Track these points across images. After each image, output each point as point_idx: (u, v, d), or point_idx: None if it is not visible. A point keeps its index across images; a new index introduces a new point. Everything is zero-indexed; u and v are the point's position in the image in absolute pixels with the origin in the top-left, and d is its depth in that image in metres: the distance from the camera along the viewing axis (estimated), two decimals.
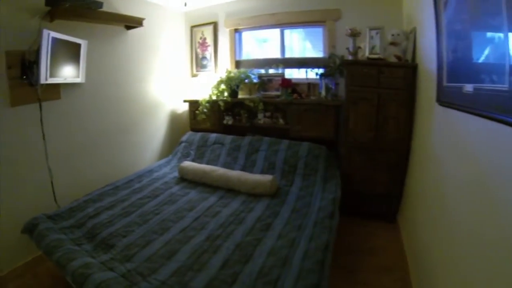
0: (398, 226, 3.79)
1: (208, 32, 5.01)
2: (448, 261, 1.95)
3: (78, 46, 3.22)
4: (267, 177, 3.49)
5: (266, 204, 3.21)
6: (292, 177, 3.79)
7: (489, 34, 1.63)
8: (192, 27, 5.11)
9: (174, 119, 5.19)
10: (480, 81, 1.66)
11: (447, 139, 2.32)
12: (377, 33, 3.64)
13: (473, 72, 1.76)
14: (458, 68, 2.03)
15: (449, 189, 2.12)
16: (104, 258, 2.34)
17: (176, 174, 4.02)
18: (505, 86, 1.32)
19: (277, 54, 4.85)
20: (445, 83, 2.24)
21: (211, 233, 2.67)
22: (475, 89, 1.69)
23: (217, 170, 3.76)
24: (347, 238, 3.44)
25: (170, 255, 2.36)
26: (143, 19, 3.99)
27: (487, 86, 1.56)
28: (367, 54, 3.69)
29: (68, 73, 3.16)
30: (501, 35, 1.38)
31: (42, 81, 2.83)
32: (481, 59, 1.70)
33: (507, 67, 1.29)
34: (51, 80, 2.94)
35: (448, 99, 2.22)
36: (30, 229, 2.61)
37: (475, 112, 1.70)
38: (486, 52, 1.63)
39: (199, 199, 3.34)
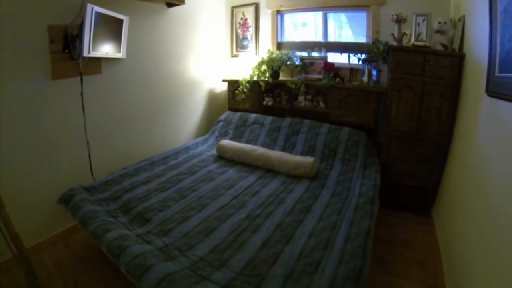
0: (432, 220, 3.63)
1: (249, 13, 4.93)
2: (489, 260, 1.82)
3: (120, 21, 3.19)
4: (308, 159, 3.40)
5: (306, 186, 3.13)
6: (332, 161, 3.68)
7: None
8: (233, 7, 5.03)
9: (212, 98, 5.14)
10: None
11: (495, 132, 2.17)
12: (423, 20, 3.48)
13: None
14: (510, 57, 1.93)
15: (496, 188, 1.98)
16: (140, 231, 2.33)
17: (213, 152, 3.98)
18: None
19: (315, 38, 4.75)
20: (497, 73, 2.14)
21: (251, 212, 2.60)
22: None
23: (257, 150, 3.69)
24: (380, 228, 3.29)
25: (208, 232, 2.31)
26: None
27: None
28: (412, 41, 3.53)
29: (109, 48, 3.14)
30: None
31: (85, 54, 2.81)
32: None
33: None
34: (93, 54, 2.92)
35: (499, 89, 2.11)
36: (66, 199, 2.63)
37: None
38: None
39: (237, 177, 3.28)
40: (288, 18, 4.93)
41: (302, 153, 3.79)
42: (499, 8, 2.10)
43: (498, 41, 2.13)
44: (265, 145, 4.02)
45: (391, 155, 3.72)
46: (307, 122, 4.15)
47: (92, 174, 3.17)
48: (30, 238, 2.75)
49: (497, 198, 1.90)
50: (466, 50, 3.17)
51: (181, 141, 4.51)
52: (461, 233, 2.50)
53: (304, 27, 4.97)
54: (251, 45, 4.98)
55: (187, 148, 4.03)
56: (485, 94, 2.31)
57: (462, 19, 3.24)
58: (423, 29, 3.48)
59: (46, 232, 2.97)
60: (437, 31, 3.44)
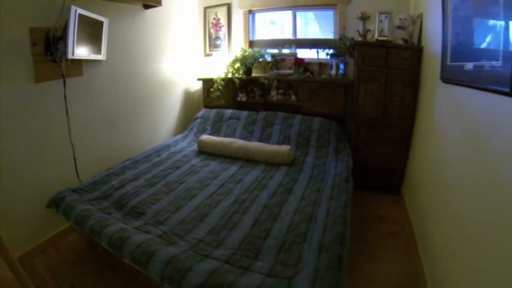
0: (402, 197, 3.94)
1: (222, 13, 5.03)
2: (451, 223, 2.11)
3: (100, 23, 3.21)
4: (285, 147, 3.62)
5: (285, 172, 3.33)
6: (306, 149, 3.91)
7: (488, 20, 1.84)
8: (206, 8, 5.11)
9: (188, 97, 5.23)
10: (477, 58, 1.93)
11: (449, 112, 2.51)
12: (385, 17, 3.79)
13: (474, 52, 2.00)
14: (461, 49, 2.25)
15: (452, 159, 2.29)
16: (137, 224, 2.41)
17: (194, 147, 4.09)
18: (499, 63, 1.58)
19: (286, 36, 4.93)
20: (448, 63, 2.47)
21: (238, 197, 2.78)
22: (475, 66, 1.94)
23: (236, 142, 3.86)
24: (355, 208, 3.52)
25: (202, 218, 2.46)
26: None
27: (484, 63, 1.83)
28: (376, 36, 3.82)
29: (91, 50, 3.16)
30: (500, 22, 1.63)
31: (69, 56, 2.82)
32: (481, 41, 1.92)
33: (501, 47, 1.56)
34: (77, 56, 2.93)
35: (451, 76, 2.44)
36: (56, 202, 2.63)
37: (474, 85, 1.96)
38: (485, 34, 1.85)
39: (220, 169, 3.43)
40: (259, 17, 5.07)
41: (278, 143, 3.98)
42: (450, 7, 2.39)
43: (449, 35, 2.44)
44: (242, 137, 4.19)
45: (361, 140, 3.99)
46: (280, 114, 4.35)
47: (78, 177, 3.17)
48: (19, 246, 2.73)
49: (453, 169, 2.21)
50: (424, 43, 3.48)
51: (160, 140, 4.58)
52: (428, 205, 2.79)
53: (273, 25, 5.13)
54: (224, 44, 5.08)
55: (168, 146, 4.12)
56: (440, 81, 2.64)
57: (420, 16, 3.56)
58: (385, 25, 3.78)
59: (35, 239, 2.91)
60: (398, 27, 3.73)
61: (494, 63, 1.66)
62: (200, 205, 2.66)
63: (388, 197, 4.00)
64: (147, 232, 2.27)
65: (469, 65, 2.01)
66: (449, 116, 2.51)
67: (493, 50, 1.70)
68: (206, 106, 5.03)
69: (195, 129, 4.67)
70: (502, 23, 1.60)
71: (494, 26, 1.71)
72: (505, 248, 1.33)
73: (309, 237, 2.15)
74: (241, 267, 1.90)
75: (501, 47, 1.57)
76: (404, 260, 2.84)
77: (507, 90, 1.46)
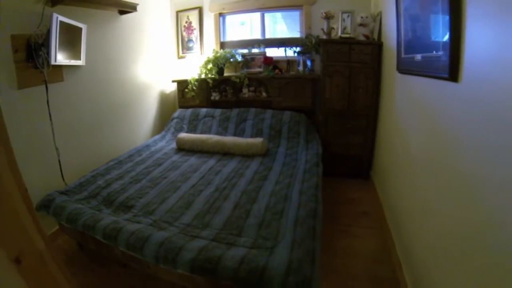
0: (372, 181, 4.27)
1: (193, 16, 5.18)
2: (416, 199, 2.42)
3: (79, 30, 3.30)
4: (258, 140, 3.89)
5: (259, 161, 3.59)
6: (278, 140, 4.18)
7: (431, 17, 2.17)
8: (178, 11, 5.24)
9: (163, 98, 5.36)
10: (424, 50, 2.28)
11: (405, 99, 2.87)
12: (348, 16, 4.12)
13: (422, 45, 2.34)
14: (411, 43, 2.60)
15: (411, 140, 2.63)
16: (127, 216, 2.56)
17: (173, 146, 4.27)
18: (439, 53, 1.93)
19: (255, 36, 5.16)
20: (402, 55, 2.84)
21: (218, 186, 3.00)
22: (422, 57, 2.30)
23: (212, 138, 4.07)
24: (329, 193, 3.87)
25: (187, 206, 2.66)
26: (137, 4, 4.15)
27: (428, 54, 2.18)
28: (339, 34, 4.14)
29: (71, 56, 3.24)
30: (440, 19, 1.95)
31: (52, 62, 2.92)
32: (426, 35, 2.26)
33: (441, 40, 1.89)
34: (59, 62, 3.02)
35: (404, 67, 2.82)
36: (46, 204, 2.68)
37: (422, 74, 2.34)
38: (430, 29, 2.19)
39: (199, 163, 3.63)
40: (229, 19, 5.26)
41: (252, 136, 4.22)
42: (403, 7, 2.74)
43: (402, 31, 2.79)
44: (218, 133, 4.40)
45: (329, 130, 4.30)
46: (252, 110, 4.59)
47: (64, 180, 3.24)
48: None
49: (412, 145, 2.57)
50: (383, 39, 3.83)
51: (139, 141, 4.69)
52: (394, 185, 3.12)
53: (243, 25, 5.34)
54: (196, 46, 5.23)
55: (147, 146, 4.25)
56: (397, 72, 3.01)
57: (380, 14, 3.90)
58: (348, 23, 4.11)
59: None
60: (360, 24, 4.05)
61: (436, 53, 1.98)
62: (184, 195, 2.85)
63: (359, 182, 4.32)
64: (138, 222, 2.42)
65: (418, 57, 2.36)
66: (405, 102, 2.85)
67: (436, 43, 2.02)
68: (181, 107, 5.18)
69: (172, 129, 4.82)
70: (441, 19, 1.91)
71: (436, 22, 2.02)
72: (458, 216, 1.63)
73: (285, 214, 2.41)
74: (227, 243, 2.13)
75: (441, 40, 1.89)
76: (376, 236, 3.13)
77: (447, 75, 1.78)
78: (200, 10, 5.12)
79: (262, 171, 3.32)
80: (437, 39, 1.99)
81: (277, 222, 2.33)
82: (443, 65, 1.85)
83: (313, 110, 4.62)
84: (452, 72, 1.77)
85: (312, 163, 3.35)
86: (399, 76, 3.03)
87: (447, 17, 1.80)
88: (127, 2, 4.02)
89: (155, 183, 3.13)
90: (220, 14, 5.13)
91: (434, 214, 1.96)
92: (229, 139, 4.02)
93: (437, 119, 2.02)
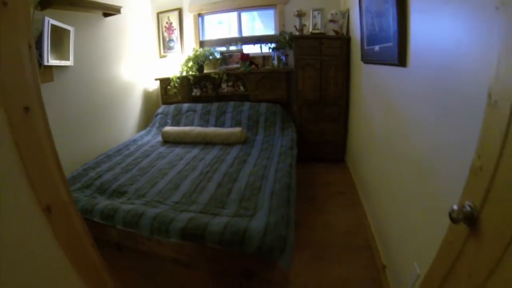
0: (346, 165, 4.66)
1: (173, 17, 5.39)
2: (380, 176, 2.81)
3: (68, 32, 3.47)
4: (237, 129, 4.22)
5: (239, 148, 3.91)
6: (256, 130, 4.52)
7: (384, 13, 2.51)
8: (159, 13, 5.48)
9: (147, 96, 5.57)
10: (380, 42, 2.63)
11: (369, 85, 3.28)
12: (318, 13, 4.47)
13: (378, 37, 2.70)
14: (371, 36, 2.96)
15: (374, 120, 3.04)
16: (121, 200, 2.79)
17: (158, 139, 4.53)
18: (390, 44, 2.33)
19: (232, 34, 5.45)
20: (365, 47, 3.23)
21: (202, 170, 3.29)
22: (380, 48, 2.66)
23: (195, 129, 4.36)
24: (307, 177, 4.26)
25: (175, 187, 2.94)
26: (120, 7, 4.36)
27: (384, 44, 2.54)
28: (311, 30, 4.49)
29: (61, 57, 3.41)
30: (389, 15, 2.33)
31: (45, 63, 3.11)
32: (382, 29, 2.60)
33: (391, 31, 2.28)
34: (51, 63, 3.19)
35: (367, 57, 3.21)
36: None
37: (380, 62, 2.72)
38: (383, 24, 2.54)
39: (184, 152, 3.92)
40: (208, 19, 5.50)
41: (231, 127, 4.52)
42: (364, 5, 3.12)
43: (364, 26, 3.18)
44: (200, 126, 4.69)
45: (303, 119, 4.65)
46: (231, 103, 4.91)
47: None
48: None
49: (375, 124, 2.99)
50: (351, 33, 4.21)
51: (126, 137, 4.87)
52: (365, 166, 3.51)
53: (221, 24, 5.60)
54: (177, 45, 5.44)
55: (134, 140, 4.48)
56: (362, 62, 3.43)
57: (348, 11, 4.27)
58: (318, 20, 4.45)
59: None
60: (331, 21, 4.42)
61: (389, 44, 2.35)
62: (172, 179, 3.12)
63: (334, 166, 4.69)
64: (132, 204, 2.69)
65: (377, 48, 2.76)
66: (369, 88, 3.26)
67: (388, 35, 2.40)
68: (164, 103, 5.42)
69: (157, 124, 5.07)
70: (391, 15, 2.28)
71: (388, 17, 2.39)
72: (412, 185, 1.99)
73: (262, 190, 2.74)
74: (212, 214, 2.44)
75: (392, 33, 2.27)
76: (351, 212, 3.47)
77: (396, 62, 2.17)
78: (180, 11, 5.34)
79: (242, 156, 3.63)
80: (389, 32, 2.36)
81: (256, 196, 2.65)
82: (394, 54, 2.25)
83: (288, 101, 4.97)
84: (401, 58, 2.17)
85: (287, 147, 3.71)
86: (363, 66, 3.45)
87: (396, 13, 2.17)
88: (111, 5, 4.21)
89: (145, 171, 3.36)
90: (199, 15, 5.37)
91: (398, 190, 2.32)
92: (210, 130, 4.32)
93: (392, 100, 2.45)
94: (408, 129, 2.08)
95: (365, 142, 3.47)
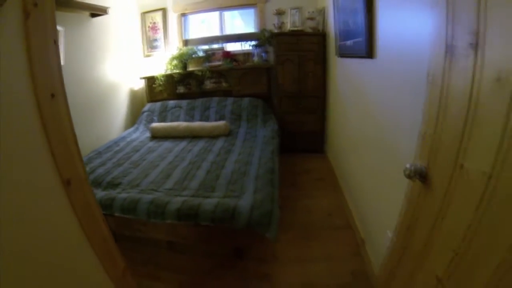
0: (326, 154, 4.91)
1: (158, 17, 5.44)
2: (357, 163, 3.05)
3: (58, 32, 3.56)
4: (221, 122, 4.43)
5: (223, 140, 4.11)
6: (239, 123, 4.72)
7: (355, 11, 2.75)
8: (143, 13, 5.47)
9: (133, 95, 5.64)
10: (352, 37, 2.90)
11: (343, 77, 3.53)
12: (297, 11, 4.75)
13: (351, 33, 2.96)
14: (345, 32, 3.21)
15: (349, 109, 3.31)
16: (117, 191, 2.92)
17: (146, 135, 4.66)
18: (360, 39, 2.58)
19: (215, 32, 5.59)
20: (339, 42, 3.48)
21: (191, 160, 3.48)
22: (352, 42, 2.92)
23: (181, 124, 4.54)
24: (288, 166, 4.49)
25: (167, 176, 3.12)
26: (108, 7, 4.44)
27: (355, 39, 2.80)
28: (289, 27, 4.76)
29: None
30: (360, 12, 2.59)
31: None
32: (354, 25, 2.84)
33: (361, 27, 2.52)
34: None
35: (341, 51, 3.46)
36: None
37: (352, 55, 2.99)
38: (355, 21, 2.77)
39: (173, 146, 4.08)
40: (191, 18, 5.62)
41: (216, 121, 4.70)
42: (338, 3, 3.37)
43: (338, 23, 3.43)
44: (186, 121, 4.83)
45: (284, 111, 4.87)
46: (215, 99, 5.09)
47: None
48: None
49: (348, 113, 3.27)
50: (327, 30, 4.45)
51: (114, 135, 4.93)
52: (342, 152, 3.75)
53: (203, 23, 5.73)
54: (161, 44, 5.52)
55: (123, 137, 4.59)
56: (337, 56, 3.67)
57: (324, 9, 4.50)
58: (296, 18, 4.73)
59: None
60: (308, 18, 4.66)
61: (360, 38, 2.60)
62: (163, 170, 3.29)
63: (314, 156, 4.94)
64: (128, 193, 2.84)
65: (349, 42, 3.01)
66: (344, 80, 3.50)
67: (358, 31, 2.65)
68: (150, 101, 5.51)
69: (144, 121, 5.18)
70: (360, 13, 2.53)
71: (357, 15, 2.65)
72: (381, 161, 2.23)
73: (248, 174, 2.97)
74: (203, 196, 2.65)
75: (361, 28, 2.53)
76: (331, 196, 3.70)
77: (364, 54, 2.43)
78: (164, 11, 5.44)
79: (227, 146, 3.84)
80: (359, 28, 2.61)
81: (242, 179, 2.88)
82: (363, 47, 2.51)
83: (269, 95, 5.17)
84: (369, 51, 2.43)
85: (269, 137, 3.94)
86: (338, 59, 3.71)
87: (364, 10, 2.43)
88: (99, 5, 4.30)
89: (137, 164, 3.50)
90: (183, 14, 5.49)
91: (373, 175, 2.57)
92: (196, 124, 4.51)
93: (362, 88, 2.73)
94: (375, 110, 2.36)
95: (342, 130, 3.71)
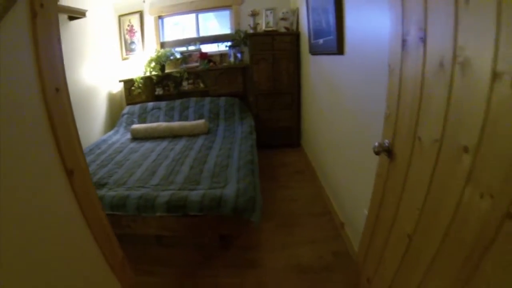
0: (302, 148, 5.14)
1: (135, 20, 5.50)
2: (333, 152, 3.27)
3: None
4: (200, 121, 4.58)
5: (204, 138, 4.27)
6: (217, 121, 4.89)
7: (326, 11, 2.94)
8: (120, 16, 5.56)
9: (111, 98, 5.66)
10: (324, 36, 3.09)
11: (316, 73, 3.75)
12: (271, 12, 4.95)
13: (322, 32, 3.16)
14: (317, 31, 3.41)
15: (321, 102, 3.53)
16: (104, 190, 2.99)
17: (127, 137, 4.72)
18: (331, 37, 2.78)
19: (192, 34, 5.70)
20: (312, 41, 3.67)
21: (174, 158, 3.61)
22: (323, 41, 3.13)
23: (162, 124, 4.65)
24: (267, 160, 4.69)
25: (152, 174, 3.24)
26: (86, 10, 4.48)
27: (326, 38, 3.00)
28: (264, 28, 4.94)
29: None
30: (330, 12, 2.78)
31: None
32: (325, 24, 3.03)
33: (332, 26, 2.73)
34: None
35: (314, 49, 3.66)
36: None
37: (324, 52, 3.20)
38: (326, 20, 2.97)
39: (154, 145, 4.18)
40: (168, 20, 5.70)
41: (195, 120, 4.84)
42: (310, 4, 3.56)
43: (311, 23, 3.62)
44: (165, 121, 4.94)
45: (260, 108, 5.07)
46: (193, 99, 5.23)
47: None
48: None
49: (322, 105, 3.49)
50: (300, 29, 4.66)
51: (93, 139, 4.92)
52: (318, 143, 3.96)
53: (178, 25, 5.82)
54: (139, 47, 5.57)
55: (104, 140, 4.63)
56: (310, 54, 3.88)
57: (297, 10, 4.70)
58: (270, 18, 4.92)
59: None
60: (282, 19, 4.86)
61: (331, 37, 2.80)
62: (148, 167, 3.40)
63: (291, 150, 5.17)
64: (115, 191, 2.92)
65: (321, 41, 3.22)
66: (317, 76, 3.72)
67: (329, 29, 2.86)
68: (129, 104, 5.54)
69: (124, 123, 5.24)
70: (331, 13, 2.73)
71: (328, 15, 2.85)
72: (354, 146, 2.47)
73: (229, 166, 3.15)
74: (189, 189, 2.80)
75: (331, 28, 2.74)
76: (310, 187, 3.90)
77: (335, 51, 2.63)
78: (141, 13, 5.52)
79: (207, 143, 4.00)
80: (330, 27, 2.82)
81: (225, 172, 3.05)
82: (334, 45, 2.72)
83: (245, 93, 5.35)
84: (339, 48, 2.65)
85: (247, 132, 4.13)
86: (311, 57, 3.93)
87: (334, 10, 2.64)
88: (77, 8, 4.33)
89: (121, 165, 3.58)
90: (159, 17, 5.57)
91: (340, 148, 2.81)
92: (176, 124, 4.63)
93: (333, 82, 2.95)
94: (346, 102, 2.59)
95: (317, 124, 3.92)
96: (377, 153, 1.42)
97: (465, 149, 0.89)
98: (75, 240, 1.57)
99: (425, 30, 1.08)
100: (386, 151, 1.41)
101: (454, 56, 0.93)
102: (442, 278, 1.03)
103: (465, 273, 0.91)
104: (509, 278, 0.76)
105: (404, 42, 1.23)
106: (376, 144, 1.42)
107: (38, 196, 1.30)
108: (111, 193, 2.84)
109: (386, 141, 1.42)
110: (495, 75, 0.76)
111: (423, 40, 1.08)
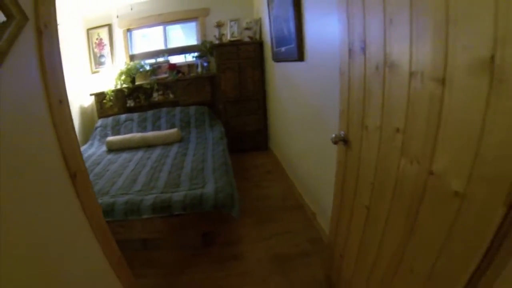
0: (271, 150, 5.43)
1: (103, 33, 5.55)
2: (298, 150, 3.67)
3: None
4: (173, 130, 4.81)
5: (178, 146, 4.50)
6: (188, 129, 5.12)
7: (287, 20, 3.22)
8: (88, 29, 5.58)
9: (82, 112, 5.66)
10: (286, 44, 3.36)
11: (280, 78, 4.04)
12: (235, 23, 5.20)
13: (284, 40, 3.42)
14: (279, 40, 3.67)
15: (286, 104, 3.84)
16: None
17: (103, 149, 4.83)
18: (292, 45, 3.06)
19: (159, 46, 5.87)
20: (275, 49, 3.93)
21: (152, 166, 3.81)
22: (285, 49, 3.39)
23: (136, 135, 4.80)
24: (238, 163, 4.93)
25: (133, 181, 3.40)
26: (58, 23, 4.49)
27: (288, 46, 3.26)
28: (229, 38, 5.19)
29: None
30: (290, 21, 3.05)
31: None
32: (286, 33, 3.29)
33: (292, 35, 3.00)
34: None
35: (277, 57, 3.92)
36: None
37: (286, 60, 3.48)
38: (287, 29, 3.23)
39: (131, 156, 4.34)
40: (136, 33, 5.82)
41: (167, 129, 5.03)
42: (272, 14, 3.82)
43: (273, 31, 3.88)
44: (139, 132, 5.08)
45: (228, 114, 5.33)
46: (164, 109, 5.41)
47: None
48: None
49: (286, 106, 3.81)
50: (263, 38, 4.95)
51: None
52: (285, 143, 4.25)
53: (147, 38, 5.96)
54: (108, 60, 5.65)
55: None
56: (273, 61, 4.17)
57: (260, 19, 4.99)
58: (235, 29, 5.16)
59: None
60: (246, 28, 5.12)
61: (292, 45, 3.09)
62: (128, 176, 3.56)
63: (261, 153, 5.47)
64: (101, 200, 3.05)
65: (283, 49, 3.50)
66: (280, 81, 4.01)
67: (290, 38, 3.13)
68: (101, 117, 5.60)
69: (98, 136, 5.31)
70: (291, 23, 3.00)
71: (289, 25, 3.12)
72: (316, 142, 2.82)
73: (205, 169, 3.42)
74: (171, 192, 3.01)
75: (293, 36, 3.01)
76: (281, 184, 4.18)
77: (296, 58, 2.93)
78: (110, 27, 5.58)
79: (182, 150, 4.23)
80: (291, 36, 3.10)
81: (201, 174, 3.30)
82: (294, 52, 3.01)
83: (213, 102, 5.59)
84: (300, 55, 2.95)
85: (218, 138, 4.40)
86: (275, 64, 4.22)
87: (294, 21, 2.92)
88: None
89: (101, 176, 3.70)
90: (128, 30, 5.68)
91: (304, 145, 3.12)
92: (150, 134, 4.81)
93: (296, 86, 3.26)
94: (308, 103, 2.91)
95: (283, 125, 4.21)
96: (335, 142, 1.72)
97: (398, 130, 1.18)
98: (79, 238, 1.72)
99: (364, 41, 1.38)
100: (343, 140, 1.70)
101: (385, 61, 1.22)
102: (394, 233, 1.30)
103: (409, 225, 1.18)
104: (437, 220, 1.03)
105: (350, 51, 1.53)
106: (333, 135, 1.71)
107: (46, 197, 1.44)
108: (97, 201, 3.00)
109: (342, 132, 1.72)
110: (411, 74, 1.06)
111: (363, 49, 1.38)
